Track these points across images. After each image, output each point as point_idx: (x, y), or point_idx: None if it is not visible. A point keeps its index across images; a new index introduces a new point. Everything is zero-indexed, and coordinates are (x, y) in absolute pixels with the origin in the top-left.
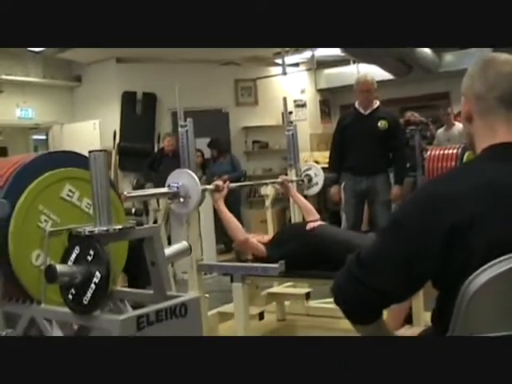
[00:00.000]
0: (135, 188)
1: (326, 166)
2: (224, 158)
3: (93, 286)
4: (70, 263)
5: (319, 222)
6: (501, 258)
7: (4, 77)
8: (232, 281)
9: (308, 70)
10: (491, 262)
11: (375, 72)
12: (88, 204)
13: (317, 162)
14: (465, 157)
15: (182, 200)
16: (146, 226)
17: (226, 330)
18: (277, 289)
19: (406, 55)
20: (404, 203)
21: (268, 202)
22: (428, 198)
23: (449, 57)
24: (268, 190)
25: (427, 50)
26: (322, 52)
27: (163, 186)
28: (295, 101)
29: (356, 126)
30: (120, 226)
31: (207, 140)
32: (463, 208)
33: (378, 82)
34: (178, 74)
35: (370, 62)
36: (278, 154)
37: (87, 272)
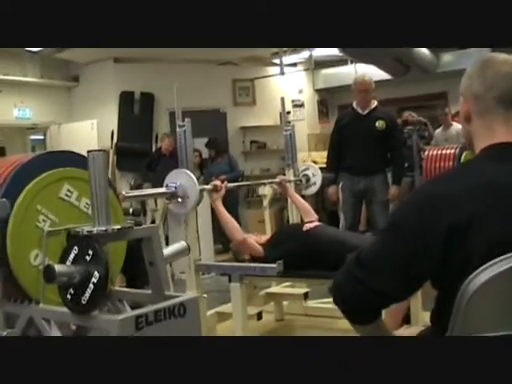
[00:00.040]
0: (133, 188)
1: (324, 165)
2: (222, 158)
3: (91, 285)
4: (68, 263)
5: (316, 223)
6: (500, 258)
7: (1, 77)
8: (230, 281)
9: (306, 70)
10: (491, 262)
11: (373, 72)
12: (86, 204)
13: (315, 162)
14: (462, 157)
15: (179, 200)
16: (144, 226)
17: (224, 330)
18: (275, 289)
19: (404, 55)
20: (402, 204)
21: (266, 202)
22: (426, 199)
23: (447, 57)
24: (266, 190)
25: (425, 50)
26: (320, 52)
27: (161, 186)
28: (293, 101)
29: (354, 125)
30: (118, 226)
31: (205, 140)
32: (461, 208)
33: (375, 81)
34: (175, 73)
35: (367, 62)
36: (276, 154)
37: (86, 272)
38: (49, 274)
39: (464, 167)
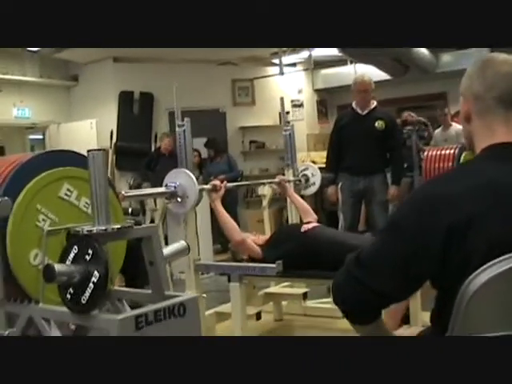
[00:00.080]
0: (132, 188)
1: (323, 166)
2: (221, 157)
3: (91, 285)
4: (68, 263)
5: (314, 224)
6: (500, 258)
7: (1, 76)
8: (229, 281)
9: (305, 70)
10: (491, 262)
11: (372, 72)
12: (86, 203)
13: (314, 162)
14: (462, 157)
15: (179, 200)
16: (144, 225)
17: (223, 329)
18: (274, 289)
19: (403, 55)
20: (402, 204)
21: (265, 202)
22: (425, 199)
23: (446, 57)
24: (265, 190)
25: (424, 51)
26: (320, 52)
27: (160, 186)
28: (292, 101)
29: (353, 126)
30: (118, 226)
31: (204, 140)
32: (461, 208)
33: (375, 82)
34: (175, 73)
35: (367, 63)
36: (275, 154)
37: (85, 271)
38: (48, 273)
39: (464, 167)
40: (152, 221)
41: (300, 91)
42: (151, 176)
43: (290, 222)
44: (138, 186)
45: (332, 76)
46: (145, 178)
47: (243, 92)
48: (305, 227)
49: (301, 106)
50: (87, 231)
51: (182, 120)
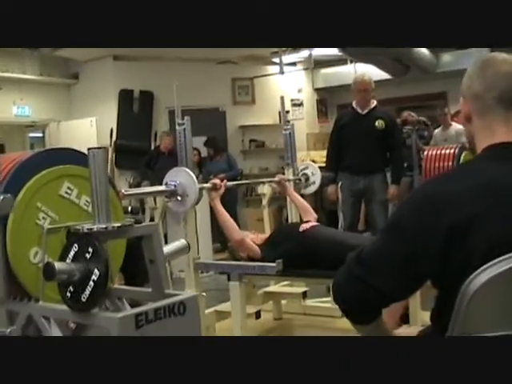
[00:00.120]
0: (132, 186)
1: (323, 165)
2: (220, 156)
3: (91, 283)
4: (68, 261)
5: (312, 223)
6: (501, 258)
7: (1, 74)
8: (229, 279)
9: (305, 69)
10: (491, 262)
11: (372, 72)
12: (87, 201)
13: (313, 162)
14: (462, 157)
15: (179, 198)
16: (144, 223)
17: (222, 328)
18: (273, 288)
19: (404, 55)
20: (402, 204)
21: (265, 201)
22: (426, 198)
23: (446, 57)
24: (265, 189)
25: (424, 50)
26: (320, 51)
27: (160, 184)
28: (292, 100)
29: (353, 125)
30: (119, 224)
31: (204, 139)
32: (461, 208)
33: (375, 81)
34: (175, 72)
35: (367, 62)
36: (275, 153)
37: (86, 269)
38: (48, 271)
39: (464, 167)
40: (152, 219)
41: (300, 90)
42: (151, 174)
43: (289, 221)
44: (138, 185)
45: (332, 75)
46: (144, 176)
47: (243, 91)
48: (303, 226)
49: (301, 105)
50: (87, 229)
51: (182, 119)
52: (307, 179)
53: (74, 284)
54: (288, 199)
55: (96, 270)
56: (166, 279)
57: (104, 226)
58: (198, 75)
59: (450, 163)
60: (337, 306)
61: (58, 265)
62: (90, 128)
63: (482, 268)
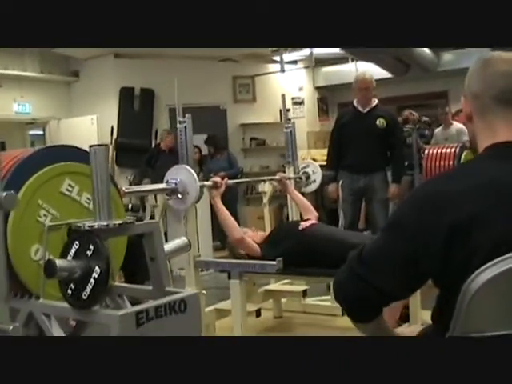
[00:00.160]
0: (132, 184)
1: (324, 163)
2: (221, 154)
3: (92, 281)
4: (69, 258)
5: (311, 222)
6: (503, 257)
7: (1, 71)
8: (229, 278)
9: (306, 67)
10: (493, 261)
11: (373, 70)
12: (88, 199)
13: (314, 160)
14: (463, 156)
15: (180, 196)
16: (145, 221)
17: (222, 326)
18: (274, 286)
19: (405, 54)
20: (403, 202)
21: (266, 199)
22: (427, 197)
23: (447, 56)
24: (266, 187)
25: (426, 49)
26: (321, 50)
27: (160, 182)
28: (293, 98)
29: (354, 123)
30: (120, 221)
31: (204, 136)
32: (463, 207)
33: (375, 80)
34: (175, 70)
35: (368, 61)
36: (276, 152)
37: (86, 267)
38: (49, 268)
39: (465, 166)
40: (152, 217)
41: (301, 89)
42: (151, 172)
43: (290, 219)
44: (139, 183)
45: (333, 74)
46: (145, 174)
47: (244, 89)
48: (303, 225)
49: (301, 103)
50: (88, 227)
51: (183, 116)
52: (308, 177)
53: (75, 281)
54: (288, 197)
55: (97, 268)
56: (167, 277)
57: (105, 224)
58: (198, 73)
59: (451, 162)
60: (337, 305)
61: (58, 262)
62: (90, 126)
63: (483, 267)
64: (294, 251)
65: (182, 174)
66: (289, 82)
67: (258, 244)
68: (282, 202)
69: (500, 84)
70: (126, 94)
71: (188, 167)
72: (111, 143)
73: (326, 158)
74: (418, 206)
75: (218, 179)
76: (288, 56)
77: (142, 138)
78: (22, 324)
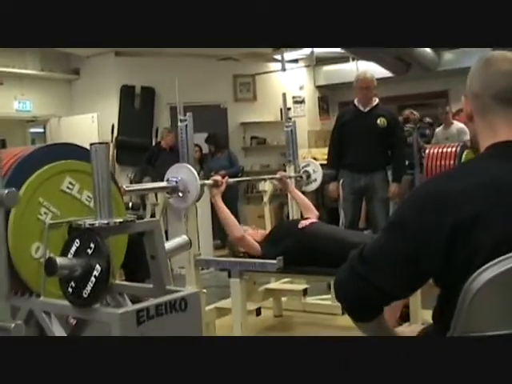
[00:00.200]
0: (133, 182)
1: (325, 162)
2: (221, 153)
3: (93, 279)
4: (70, 256)
5: (311, 220)
6: (504, 256)
7: (2, 69)
8: (230, 276)
9: (307, 66)
10: (495, 260)
11: (374, 69)
12: (88, 197)
13: (315, 159)
14: (463, 155)
15: (180, 194)
16: (146, 219)
17: (222, 325)
18: (274, 285)
19: (405, 53)
20: (404, 201)
21: (266, 198)
22: (428, 197)
23: (448, 55)
24: (266, 186)
25: (426, 49)
26: (321, 49)
27: (161, 181)
28: (294, 97)
29: (355, 123)
30: (121, 220)
31: (205, 135)
32: (464, 206)
33: (376, 79)
34: (176, 68)
35: (369, 60)
36: (276, 150)
37: (87, 265)
38: (50, 266)
39: (466, 166)
40: (152, 215)
41: (301, 87)
42: (152, 171)
43: (290, 217)
44: (139, 181)
45: (334, 73)
46: (145, 172)
47: (244, 88)
48: (302, 223)
49: (302, 102)
50: (89, 225)
51: (184, 115)
52: (308, 176)
53: (76, 279)
54: (289, 196)
55: (97, 266)
56: (168, 275)
57: (106, 222)
58: (199, 72)
59: (452, 161)
60: (337, 304)
61: (59, 260)
62: (91, 124)
63: (485, 266)
64: (293, 250)
65: (183, 173)
66: (289, 81)
67: (258, 242)
68: (282, 201)
69: (501, 83)
70: (126, 92)
71: (189, 166)
72: (112, 141)
73: (326, 156)
74: (418, 206)
75: (218, 178)
76: (289, 55)
77: (142, 136)
78: (23, 322)
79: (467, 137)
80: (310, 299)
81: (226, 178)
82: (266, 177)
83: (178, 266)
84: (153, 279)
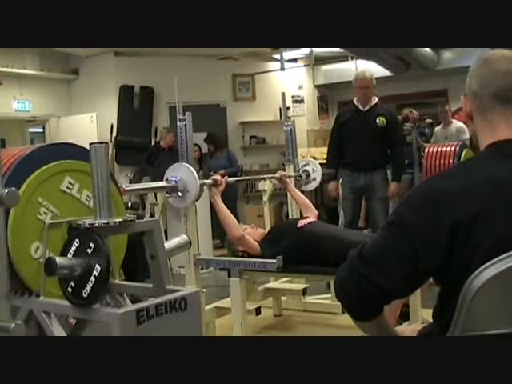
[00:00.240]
0: (132, 182)
1: (324, 161)
2: (221, 153)
3: (92, 279)
4: (69, 256)
5: (310, 220)
6: (505, 255)
7: (1, 69)
8: (229, 276)
9: (306, 65)
10: (495, 259)
11: (373, 68)
12: (88, 196)
13: (314, 158)
14: (463, 154)
15: (180, 194)
16: (145, 219)
17: (222, 325)
18: (274, 284)
19: (405, 52)
20: (404, 200)
21: (265, 198)
22: (427, 195)
23: (447, 54)
24: (266, 186)
25: (425, 48)
26: (321, 48)
27: (160, 180)
28: (293, 96)
29: (354, 122)
30: (120, 219)
31: (204, 135)
32: (465, 205)
33: (375, 78)
34: (175, 68)
35: (368, 59)
36: (275, 150)
37: (87, 265)
38: (50, 266)
39: (466, 164)
40: (152, 215)
41: (301, 87)
42: (151, 170)
43: (290, 217)
44: (139, 181)
45: (333, 72)
46: (145, 172)
47: (244, 87)
48: (301, 223)
49: (301, 101)
50: (89, 224)
51: (183, 114)
52: (308, 176)
53: (75, 279)
54: (288, 196)
55: (97, 266)
56: (168, 275)
57: (105, 222)
58: (198, 71)
59: (451, 161)
60: (337, 303)
61: (59, 260)
62: (90, 123)
63: (485, 265)
64: (292, 249)
65: (182, 172)
66: (289, 80)
67: (257, 242)
68: (281, 201)
69: (499, 82)
70: (125, 92)
71: (188, 165)
72: (111, 141)
73: (325, 156)
74: (418, 205)
75: (218, 177)
76: (288, 54)
77: (141, 136)
78: (23, 322)
79: (466, 136)
80: (309, 298)
81: (226, 177)
82: (265, 176)
83: (178, 265)
84: (153, 279)
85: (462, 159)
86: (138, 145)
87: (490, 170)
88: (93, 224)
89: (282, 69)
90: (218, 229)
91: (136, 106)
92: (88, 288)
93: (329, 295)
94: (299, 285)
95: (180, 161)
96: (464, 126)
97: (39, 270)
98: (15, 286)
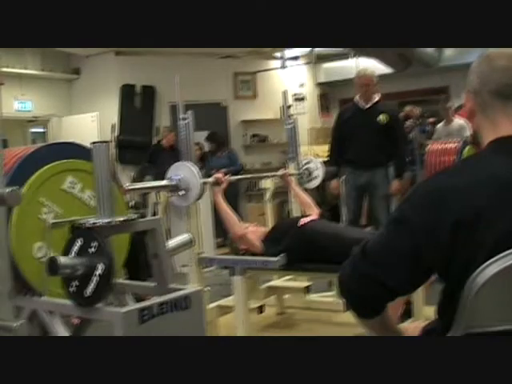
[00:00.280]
0: (134, 181)
1: (326, 159)
2: (222, 151)
3: (95, 278)
4: (72, 255)
5: (311, 218)
6: (508, 252)
7: (2, 69)
8: (232, 274)
9: (307, 63)
10: (498, 256)
11: (375, 66)
12: (90, 196)
13: (316, 156)
14: (465, 151)
15: (182, 193)
16: (148, 218)
17: (225, 323)
18: (276, 282)
19: (406, 50)
20: (406, 197)
21: (267, 196)
22: (429, 193)
23: (448, 51)
24: (268, 184)
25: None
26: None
27: (162, 179)
28: (294, 94)
29: (356, 119)
30: (123, 218)
31: (205, 133)
32: (468, 202)
33: (377, 76)
34: (176, 67)
35: (369, 57)
36: (277, 148)
37: (90, 264)
38: (52, 266)
39: (468, 161)
40: (154, 214)
41: (302, 85)
42: (153, 169)
43: (291, 215)
44: (140, 180)
45: (334, 70)
46: (146, 171)
47: (245, 85)
48: (302, 221)
49: (303, 99)
50: (91, 224)
51: (185, 113)
52: (310, 174)
53: (78, 278)
54: (290, 194)
55: (100, 265)
56: (171, 274)
57: (108, 221)
58: (199, 70)
59: (453, 157)
60: (340, 301)
61: (61, 259)
62: (91, 123)
63: (488, 262)
64: (294, 247)
65: (184, 171)
66: (290, 79)
67: (259, 240)
68: (283, 199)
69: (499, 79)
70: (127, 92)
71: (190, 164)
72: (112, 140)
73: (327, 154)
74: (421, 202)
75: (220, 176)
76: (289, 52)
77: (143, 135)
78: (26, 322)
79: (468, 133)
80: (312, 296)
81: (228, 175)
82: (267, 174)
83: (181, 264)
84: (156, 278)
85: (463, 156)
86: (140, 144)
87: (493, 167)
88: (95, 223)
89: (284, 67)
90: (221, 227)
91: (137, 105)
92: (91, 287)
93: (332, 293)
94: (302, 283)
95: (182, 159)
96: (466, 123)
97: (42, 270)
98: (18, 286)
